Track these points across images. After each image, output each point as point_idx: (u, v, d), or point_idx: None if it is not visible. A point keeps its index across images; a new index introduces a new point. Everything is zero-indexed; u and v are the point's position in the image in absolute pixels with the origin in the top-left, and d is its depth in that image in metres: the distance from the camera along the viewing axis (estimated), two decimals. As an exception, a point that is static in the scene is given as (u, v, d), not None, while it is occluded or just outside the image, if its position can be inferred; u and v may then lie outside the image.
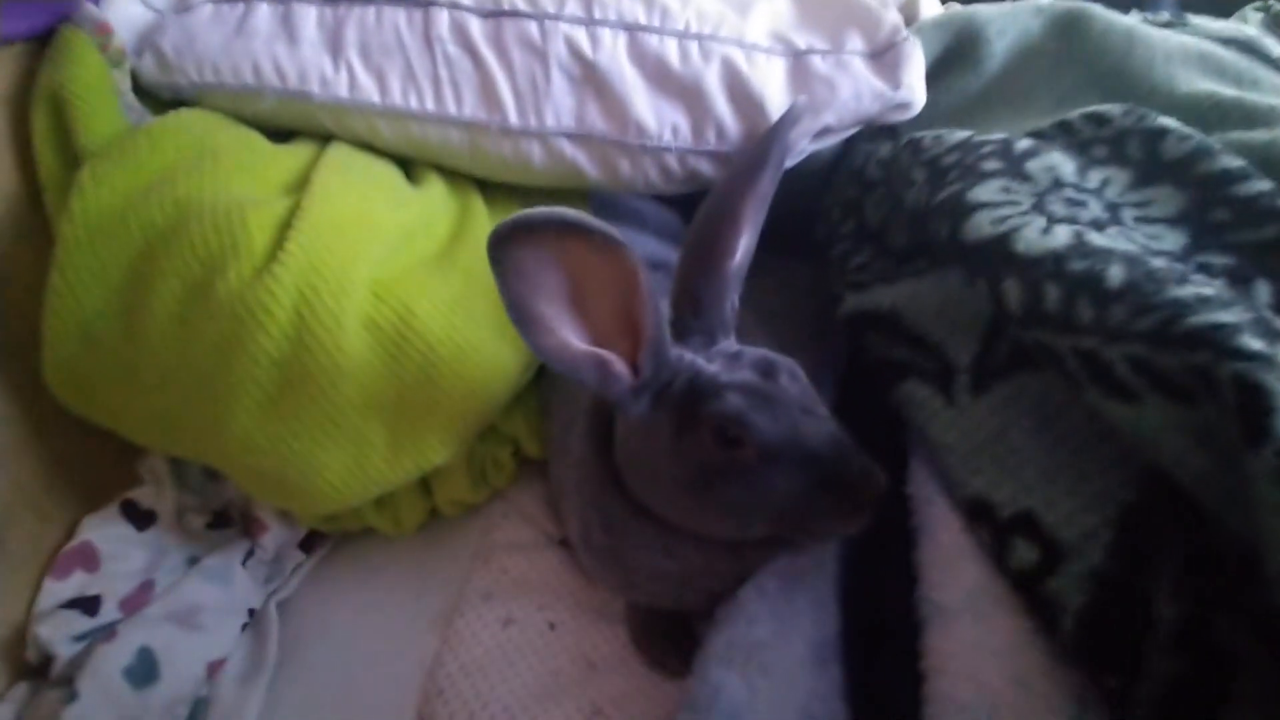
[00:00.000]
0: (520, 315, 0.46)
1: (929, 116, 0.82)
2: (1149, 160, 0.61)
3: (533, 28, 0.67)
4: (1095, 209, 0.58)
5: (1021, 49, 0.84)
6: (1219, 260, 0.53)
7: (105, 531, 0.68)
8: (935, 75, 0.84)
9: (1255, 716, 0.39)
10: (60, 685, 0.61)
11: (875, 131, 0.84)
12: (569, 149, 0.69)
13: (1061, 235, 0.53)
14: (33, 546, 0.66)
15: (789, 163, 0.72)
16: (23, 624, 0.64)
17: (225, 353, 0.57)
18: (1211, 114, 0.70)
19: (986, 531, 0.51)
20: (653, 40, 0.67)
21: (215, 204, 0.58)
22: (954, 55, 0.85)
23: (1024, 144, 0.65)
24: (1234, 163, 0.57)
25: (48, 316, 0.59)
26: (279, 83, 0.68)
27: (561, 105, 0.68)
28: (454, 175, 0.75)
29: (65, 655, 0.62)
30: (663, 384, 0.51)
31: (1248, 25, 0.97)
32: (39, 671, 0.64)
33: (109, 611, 0.65)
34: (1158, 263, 0.50)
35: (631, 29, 0.67)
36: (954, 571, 0.50)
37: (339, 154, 0.69)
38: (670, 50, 0.67)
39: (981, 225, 0.57)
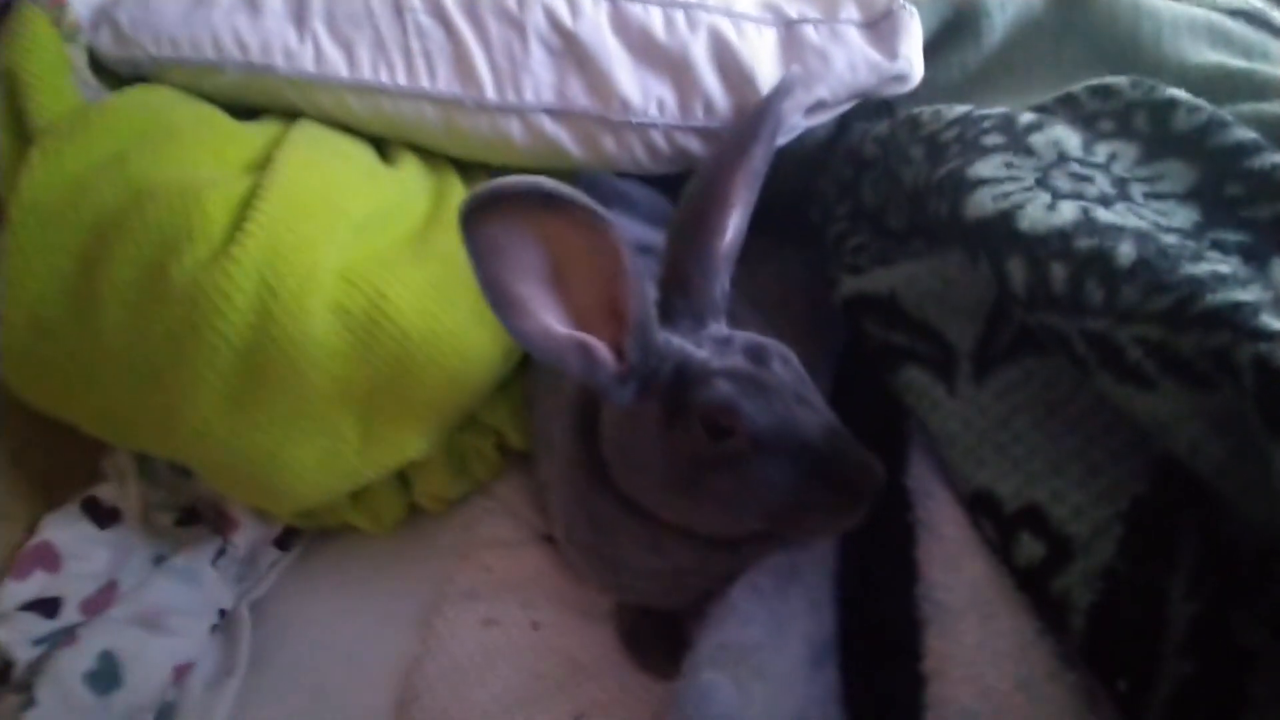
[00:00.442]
0: (496, 296, 0.43)
1: (928, 93, 0.79)
2: (1158, 133, 0.59)
3: (510, -3, 0.64)
4: (1102, 184, 0.56)
5: (1023, 22, 0.82)
6: (1233, 237, 0.51)
7: (66, 530, 0.65)
8: (934, 50, 0.82)
9: (1275, 720, 0.37)
10: (19, 691, 0.58)
11: (872, 108, 0.82)
12: (550, 126, 0.66)
13: (1067, 212, 0.51)
14: (-11, 547, 0.63)
15: (781, 140, 0.69)
16: (-21, 627, 0.62)
17: (181, 341, 0.54)
18: (1222, 86, 0.68)
19: (990, 526, 0.49)
20: (636, 9, 0.64)
21: (170, 184, 0.55)
22: (953, 29, 0.82)
23: (1027, 117, 0.62)
24: (1247, 135, 0.56)
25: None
26: (240, 56, 0.64)
27: (541, 79, 0.65)
28: (430, 155, 0.72)
29: (24, 660, 0.60)
30: (650, 371, 0.49)
31: (1253, -4, 0.94)
32: (-2, 677, 0.62)
33: (69, 614, 0.62)
34: (1170, 240, 0.48)
35: (613, -2, 0.64)
36: (956, 569, 0.48)
37: (306, 131, 0.66)
38: (655, 20, 0.64)
39: (983, 202, 0.54)
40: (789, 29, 0.66)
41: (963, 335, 0.58)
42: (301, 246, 0.55)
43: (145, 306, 0.54)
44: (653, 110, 0.65)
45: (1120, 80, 0.64)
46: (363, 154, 0.68)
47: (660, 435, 0.49)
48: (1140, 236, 0.47)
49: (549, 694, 0.58)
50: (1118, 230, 0.48)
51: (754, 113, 0.59)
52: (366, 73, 0.64)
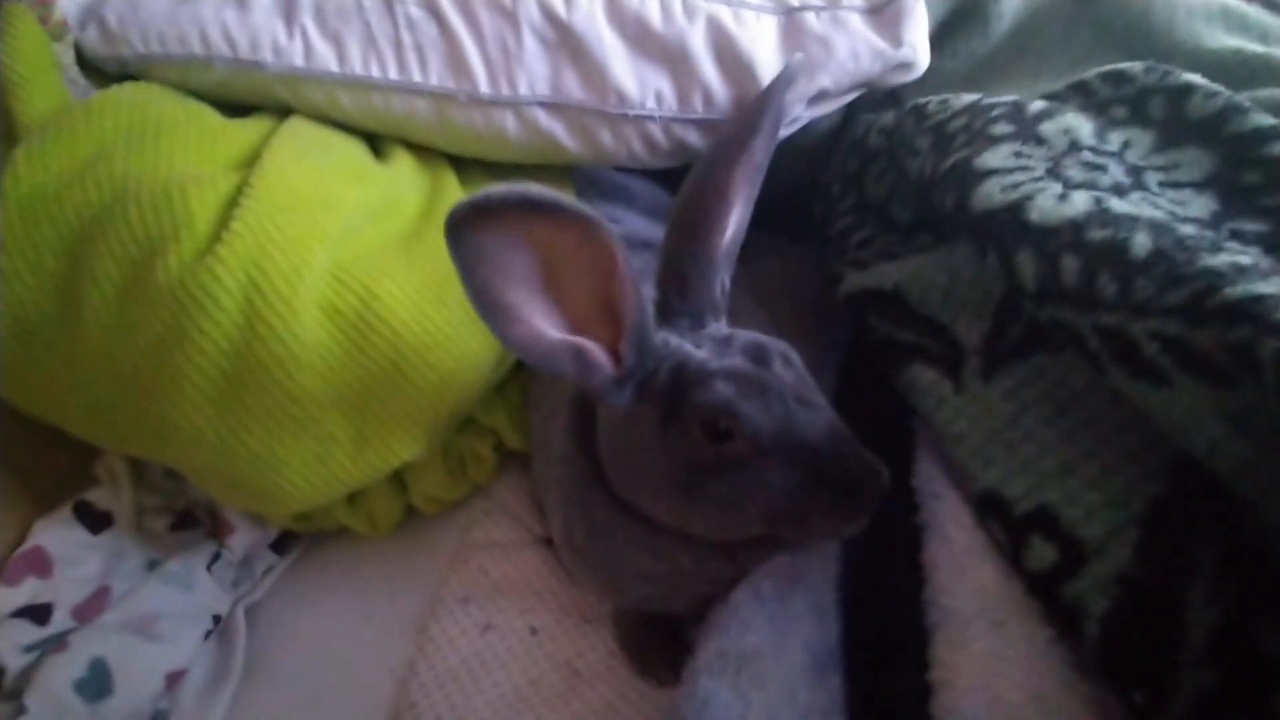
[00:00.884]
0: (485, 305, 0.42)
1: (934, 83, 0.78)
2: (1173, 120, 0.57)
3: (502, -13, 0.62)
4: (1116, 173, 0.54)
5: (1033, 8, 0.80)
6: (1252, 226, 0.50)
7: (58, 535, 0.64)
8: (941, 38, 0.80)
9: (1298, 732, 0.36)
10: (9, 699, 0.58)
11: (877, 99, 0.80)
12: (545, 119, 0.65)
13: (1079, 202, 0.49)
14: (-21, 553, 0.62)
15: (783, 132, 0.67)
16: (-29, 635, 0.61)
17: (167, 343, 0.52)
18: (1238, 71, 0.66)
19: (999, 529, 0.47)
20: (632, -2, 0.62)
21: (155, 182, 0.54)
22: (960, 16, 0.81)
23: (1037, 105, 0.61)
24: (1265, 121, 0.54)
25: (-16, 308, 0.55)
26: (229, 52, 0.63)
27: (535, 71, 0.63)
28: (425, 151, 0.71)
29: (14, 667, 0.59)
30: (647, 372, 0.47)
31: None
32: (-12, 685, 0.61)
33: (61, 620, 0.62)
34: (1187, 230, 0.46)
35: (608, -14, 0.62)
36: (965, 574, 0.47)
37: (296, 128, 0.64)
38: (651, 9, 0.63)
39: (991, 194, 0.53)
40: (789, 16, 0.64)
41: (970, 331, 0.56)
42: (289, 245, 0.54)
43: (130, 308, 0.53)
44: (650, 102, 0.64)
45: (1134, 66, 0.62)
46: (354, 150, 0.67)
47: (658, 438, 0.47)
48: (1156, 227, 0.45)
49: (546, 701, 0.57)
50: (1132, 220, 0.46)
51: (754, 104, 0.57)
52: (357, 67, 0.63)
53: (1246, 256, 0.43)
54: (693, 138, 0.67)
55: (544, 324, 0.44)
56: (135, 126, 0.58)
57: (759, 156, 0.56)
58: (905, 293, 0.61)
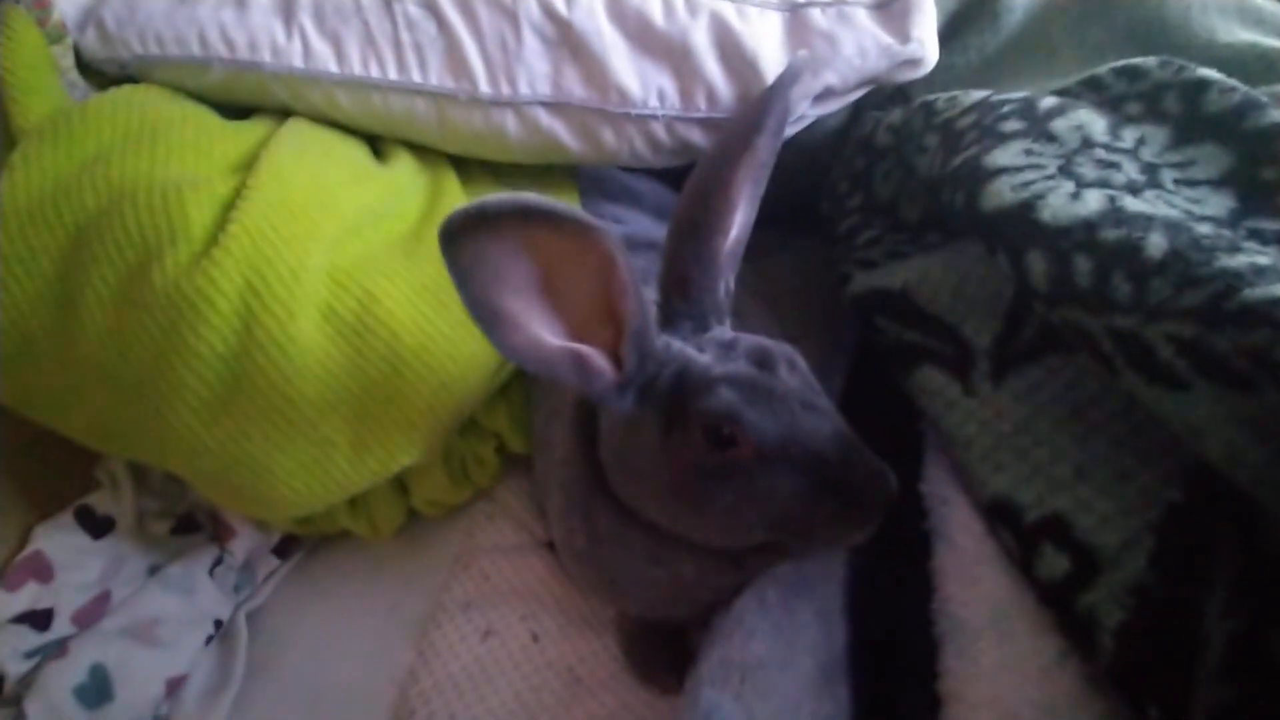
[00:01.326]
0: (482, 313, 0.41)
1: (944, 80, 0.76)
2: (1189, 116, 0.56)
3: (502, -15, 0.61)
4: (1130, 171, 0.53)
5: (1043, 4, 0.79)
6: (1271, 225, 0.48)
7: (58, 540, 0.64)
8: (950, 34, 0.79)
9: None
10: (9, 706, 0.57)
11: (886, 96, 0.79)
12: (546, 119, 0.64)
13: (1092, 201, 0.48)
14: (-20, 558, 0.62)
15: (789, 130, 0.66)
16: (-29, 640, 0.61)
17: (164, 348, 0.52)
18: (1256, 65, 0.65)
19: (1010, 537, 0.46)
20: (634, -6, 0.61)
21: (151, 185, 0.54)
22: (970, 11, 0.79)
23: (1049, 101, 0.59)
24: (1285, 116, 0.52)
25: (-21, 312, 0.55)
26: (227, 52, 0.63)
27: (535, 70, 0.62)
28: (426, 152, 0.70)
29: (15, 673, 0.58)
30: (649, 377, 0.47)
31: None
32: (-11, 691, 0.61)
33: (61, 626, 0.61)
34: (1203, 229, 0.45)
35: (610, -18, 0.61)
36: (975, 582, 0.45)
37: (295, 130, 0.64)
38: (653, 5, 0.61)
39: (1001, 192, 0.51)
40: (794, 12, 0.63)
41: (980, 332, 0.55)
42: (287, 247, 0.53)
43: (127, 312, 0.52)
44: (652, 101, 0.63)
45: (1148, 60, 0.60)
46: (354, 152, 0.66)
47: (660, 444, 0.46)
48: (1171, 226, 0.44)
49: (547, 709, 0.56)
50: (1147, 220, 0.45)
51: (758, 102, 0.56)
52: (356, 67, 0.62)
53: (1265, 256, 0.42)
54: (696, 136, 0.65)
55: (542, 331, 0.43)
56: (133, 129, 0.58)
57: (763, 155, 0.55)
58: (914, 293, 0.60)
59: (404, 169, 0.67)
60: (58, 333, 0.55)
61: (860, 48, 0.62)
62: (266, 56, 0.62)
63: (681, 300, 0.52)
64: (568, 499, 0.56)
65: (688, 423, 0.45)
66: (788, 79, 0.57)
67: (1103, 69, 0.63)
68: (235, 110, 0.67)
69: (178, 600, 0.63)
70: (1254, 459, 0.37)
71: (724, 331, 0.51)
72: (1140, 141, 0.55)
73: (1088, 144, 0.54)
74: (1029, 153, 0.55)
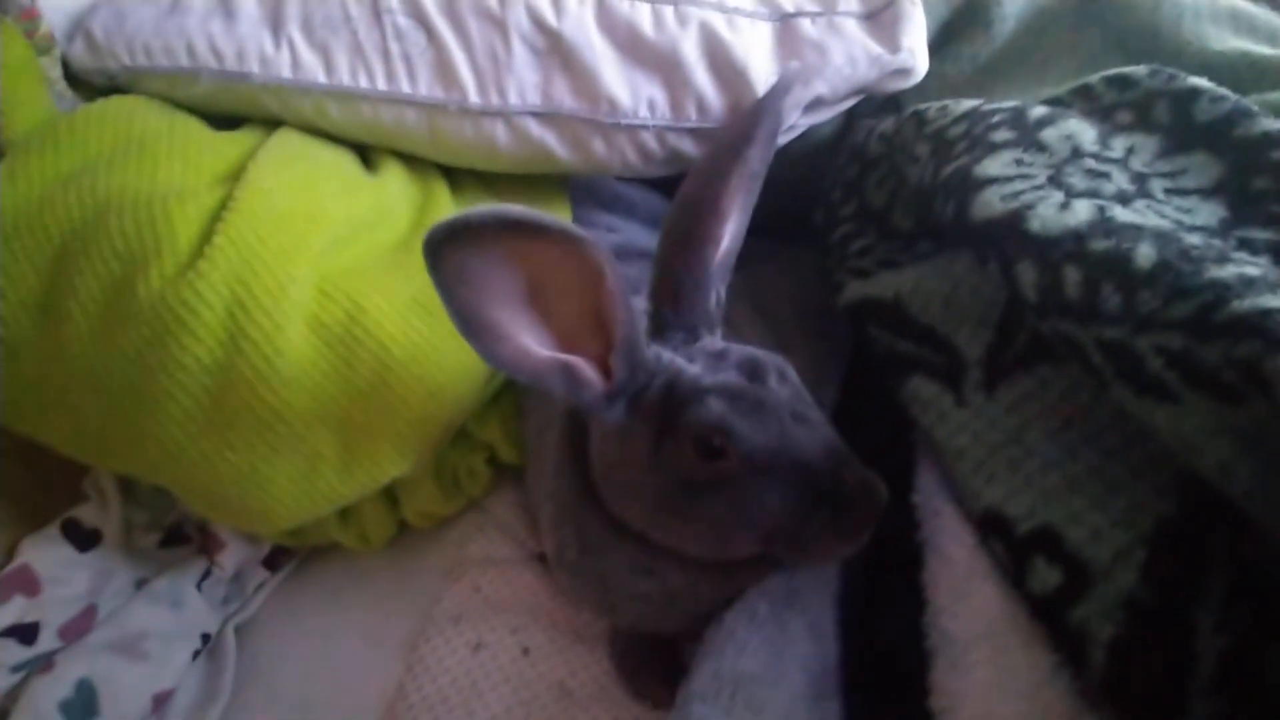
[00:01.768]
0: (468, 325, 0.41)
1: (936, 88, 0.76)
2: (1180, 125, 0.56)
3: (491, -4, 0.61)
4: (1120, 180, 0.53)
5: (1036, 11, 0.79)
6: (1262, 235, 0.48)
7: (45, 553, 0.63)
8: (942, 43, 0.79)
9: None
10: (-5, 722, 0.57)
11: (877, 105, 0.79)
12: (536, 129, 0.64)
13: (1082, 211, 0.48)
14: (-34, 571, 0.61)
15: (781, 140, 0.66)
16: (-43, 654, 0.60)
17: (149, 360, 0.52)
18: (1247, 74, 0.65)
19: (1001, 549, 0.45)
20: (623, 5, 0.61)
21: (137, 197, 0.53)
22: (962, 20, 0.79)
23: (1039, 111, 0.59)
24: (1275, 125, 0.52)
25: (-37, 325, 0.54)
26: (216, 63, 0.62)
27: (525, 80, 0.62)
28: (416, 162, 0.70)
29: (1, 688, 0.58)
30: (638, 388, 0.46)
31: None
32: (-25, 706, 0.60)
33: (47, 640, 0.61)
34: (1193, 239, 0.45)
35: (599, -8, 0.61)
36: (966, 596, 0.45)
37: (283, 140, 0.63)
38: (643, 16, 0.61)
39: (991, 202, 0.51)
40: (784, 22, 0.63)
41: (972, 342, 0.54)
42: (274, 259, 0.53)
43: (112, 325, 0.52)
44: (643, 111, 0.62)
45: (1139, 69, 0.60)
46: (343, 162, 0.66)
47: (650, 455, 0.46)
48: (1161, 237, 0.44)
49: (538, 724, 0.56)
50: (1136, 230, 0.45)
51: (749, 112, 0.56)
52: (345, 78, 0.62)
53: (1255, 267, 0.42)
54: (687, 146, 0.65)
55: (530, 341, 0.43)
56: (120, 141, 0.58)
57: (755, 165, 0.55)
58: (906, 303, 0.60)
59: (394, 179, 0.66)
60: (43, 345, 0.54)
61: (850, 57, 0.62)
62: (255, 67, 0.62)
63: (672, 310, 0.52)
64: (558, 510, 0.55)
65: (677, 434, 0.45)
66: (779, 90, 0.57)
67: (1094, 77, 0.63)
68: (225, 120, 0.67)
69: (165, 614, 0.63)
70: (1244, 472, 0.37)
71: (714, 341, 0.51)
72: (1130, 151, 0.55)
73: (1077, 154, 0.54)
74: (1019, 162, 0.55)
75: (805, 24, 0.62)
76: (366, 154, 0.70)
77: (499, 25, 0.61)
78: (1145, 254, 0.42)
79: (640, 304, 0.53)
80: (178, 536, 0.69)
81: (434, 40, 0.62)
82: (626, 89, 0.62)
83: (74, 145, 0.57)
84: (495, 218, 0.38)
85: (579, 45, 0.61)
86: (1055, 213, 0.48)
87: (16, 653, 0.59)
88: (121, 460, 0.59)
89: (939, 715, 0.42)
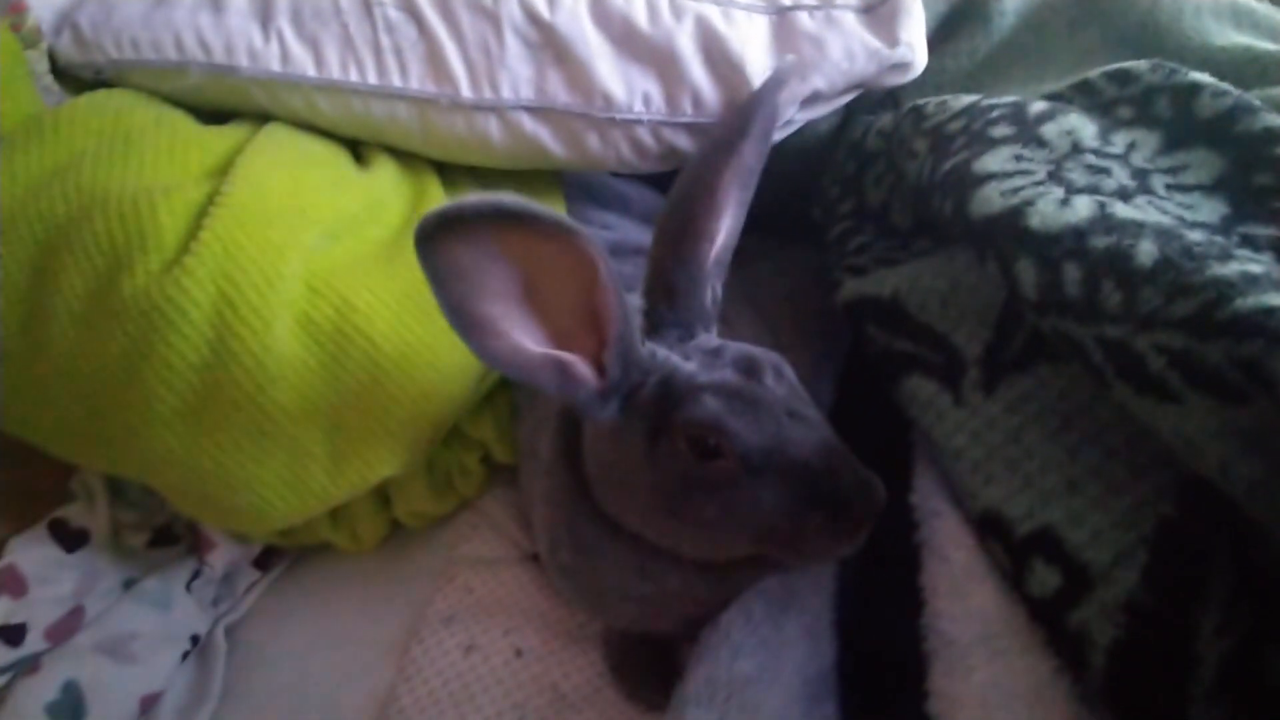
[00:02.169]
0: (460, 319, 0.40)
1: (935, 84, 0.76)
2: (1181, 120, 0.55)
3: (484, -12, 0.60)
4: (1120, 176, 0.52)
5: (1035, 7, 0.78)
6: (1264, 231, 0.47)
7: (32, 554, 0.62)
8: (941, 38, 0.78)
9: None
10: (-20, 724, 0.56)
11: (876, 100, 0.78)
12: (529, 124, 0.63)
13: (1082, 207, 0.47)
14: (-48, 572, 0.60)
15: (777, 135, 0.65)
16: (-57, 655, 0.59)
17: (134, 359, 0.51)
18: (1249, 69, 0.64)
19: (1000, 550, 0.45)
20: (618, -2, 0.60)
21: (122, 192, 0.52)
22: (961, 15, 0.79)
23: (1038, 106, 0.58)
24: (1277, 121, 0.52)
25: (-50, 323, 0.53)
26: (204, 56, 0.61)
27: (518, 74, 0.61)
28: (408, 157, 0.69)
29: (-14, 691, 0.57)
30: (633, 386, 0.46)
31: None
32: (-40, 707, 0.59)
33: (34, 641, 0.60)
34: (1195, 236, 0.44)
35: (593, -14, 0.60)
36: (965, 598, 0.44)
37: (273, 135, 0.62)
38: (637, 9, 0.61)
39: (990, 199, 0.51)
40: (781, 15, 0.62)
41: (970, 341, 0.54)
42: (263, 255, 0.52)
43: (97, 322, 0.51)
44: (638, 105, 0.62)
45: (1140, 64, 0.60)
46: (334, 157, 0.65)
47: (644, 454, 0.45)
48: (1162, 233, 0.43)
49: (531, 727, 0.55)
50: (1137, 227, 0.44)
51: (744, 107, 0.55)
52: (335, 72, 0.61)
53: (1257, 265, 0.41)
54: (683, 141, 0.65)
55: (523, 337, 0.42)
56: (106, 135, 0.57)
57: (750, 161, 0.54)
58: (904, 300, 0.59)
59: (386, 175, 0.66)
60: (28, 342, 0.53)
61: (848, 51, 0.61)
62: (244, 60, 0.61)
63: (667, 307, 0.51)
64: (552, 510, 0.55)
65: (672, 432, 0.44)
66: (774, 84, 0.56)
67: (1094, 72, 0.62)
68: (214, 114, 0.66)
69: (153, 615, 0.62)
70: (1247, 472, 0.36)
71: (710, 339, 0.50)
72: (1131, 146, 0.55)
73: (1077, 149, 0.54)
74: (1018, 158, 0.54)
75: (803, 17, 0.61)
76: (358, 149, 0.69)
77: (491, 18, 0.60)
78: (1147, 251, 0.42)
79: (635, 301, 0.52)
80: (167, 537, 0.69)
81: (425, 33, 0.61)
82: (621, 83, 0.61)
83: (60, 140, 0.56)
84: (489, 208, 0.37)
85: (573, 39, 0.60)
86: (1055, 209, 0.47)
87: (2, 654, 0.58)
88: (108, 459, 0.58)
89: (937, 719, 0.42)
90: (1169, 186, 0.52)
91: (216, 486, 0.55)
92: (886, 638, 0.47)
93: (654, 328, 0.51)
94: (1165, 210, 0.48)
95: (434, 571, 0.66)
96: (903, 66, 0.64)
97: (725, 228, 0.53)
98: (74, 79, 0.66)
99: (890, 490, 0.44)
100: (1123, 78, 0.60)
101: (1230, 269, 0.40)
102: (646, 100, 0.62)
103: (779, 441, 0.44)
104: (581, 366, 0.44)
